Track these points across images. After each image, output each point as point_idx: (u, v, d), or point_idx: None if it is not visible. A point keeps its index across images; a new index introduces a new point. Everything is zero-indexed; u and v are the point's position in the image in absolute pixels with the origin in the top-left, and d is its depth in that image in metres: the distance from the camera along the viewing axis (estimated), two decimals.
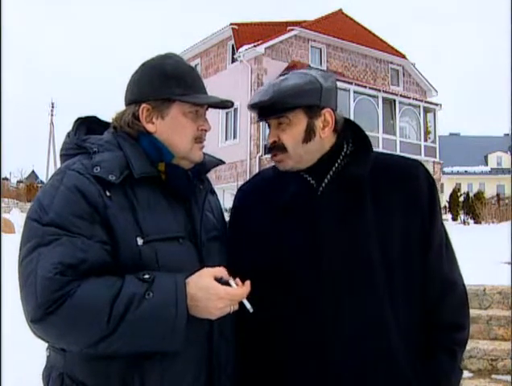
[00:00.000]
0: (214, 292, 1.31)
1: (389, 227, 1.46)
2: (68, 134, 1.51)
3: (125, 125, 1.47)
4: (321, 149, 1.52)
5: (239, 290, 1.35)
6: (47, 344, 1.42)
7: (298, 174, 1.53)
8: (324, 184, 1.50)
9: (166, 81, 1.45)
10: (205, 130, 1.51)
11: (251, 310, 1.36)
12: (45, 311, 1.22)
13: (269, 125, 1.54)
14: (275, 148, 1.51)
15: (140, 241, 1.33)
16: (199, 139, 1.49)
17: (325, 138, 1.51)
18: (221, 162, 1.64)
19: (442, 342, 1.49)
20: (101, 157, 1.39)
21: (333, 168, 1.51)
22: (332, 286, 1.43)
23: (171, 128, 1.46)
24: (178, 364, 1.35)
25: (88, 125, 1.53)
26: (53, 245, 1.27)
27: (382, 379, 1.42)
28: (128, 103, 1.49)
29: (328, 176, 1.51)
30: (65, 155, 1.48)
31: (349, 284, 1.43)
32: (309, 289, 1.44)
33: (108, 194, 1.34)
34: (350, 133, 1.57)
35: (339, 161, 1.52)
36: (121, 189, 1.36)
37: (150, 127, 1.46)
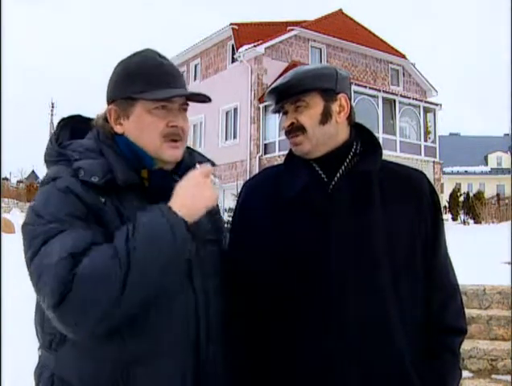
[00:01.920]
0: (191, 176, 1.36)
1: (396, 229, 1.49)
2: (51, 140, 1.47)
3: (100, 128, 1.46)
4: (336, 137, 1.55)
5: (207, 166, 1.42)
6: (39, 344, 1.42)
7: (309, 167, 1.55)
8: (335, 179, 1.52)
9: (128, 80, 1.41)
10: (176, 126, 1.43)
11: (216, 181, 1.42)
12: (63, 291, 1.19)
13: (285, 113, 1.58)
14: (294, 129, 1.54)
15: None
16: (169, 136, 1.42)
17: (340, 124, 1.55)
18: (212, 164, 1.54)
19: (447, 345, 1.53)
20: (81, 163, 1.37)
21: (344, 164, 1.54)
22: (340, 284, 1.43)
23: (136, 127, 1.42)
24: (164, 368, 1.34)
25: (72, 125, 1.51)
26: (59, 236, 1.26)
27: (387, 377, 1.43)
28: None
29: (340, 171, 1.53)
30: (48, 161, 1.46)
31: (357, 282, 1.44)
32: (316, 287, 1.44)
33: (102, 199, 1.33)
34: (360, 135, 1.60)
35: (349, 158, 1.55)
36: (109, 196, 1.35)
37: (118, 128, 1.43)
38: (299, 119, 1.53)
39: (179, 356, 1.36)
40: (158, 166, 1.44)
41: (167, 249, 1.26)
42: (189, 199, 1.33)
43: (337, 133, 1.55)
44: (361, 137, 1.60)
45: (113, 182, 1.35)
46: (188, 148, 1.54)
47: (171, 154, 1.44)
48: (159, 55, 1.47)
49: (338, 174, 1.53)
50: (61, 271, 1.20)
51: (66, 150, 1.42)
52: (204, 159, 1.56)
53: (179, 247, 1.27)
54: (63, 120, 1.51)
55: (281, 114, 1.60)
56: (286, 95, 1.54)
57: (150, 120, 1.40)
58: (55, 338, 1.36)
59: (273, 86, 1.57)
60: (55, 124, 1.55)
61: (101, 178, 1.33)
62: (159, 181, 1.41)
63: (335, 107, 1.54)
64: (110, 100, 1.44)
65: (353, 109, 1.58)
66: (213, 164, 1.54)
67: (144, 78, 1.40)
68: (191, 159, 1.52)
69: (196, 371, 1.39)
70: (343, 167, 1.54)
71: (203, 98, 1.46)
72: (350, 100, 1.58)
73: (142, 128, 1.41)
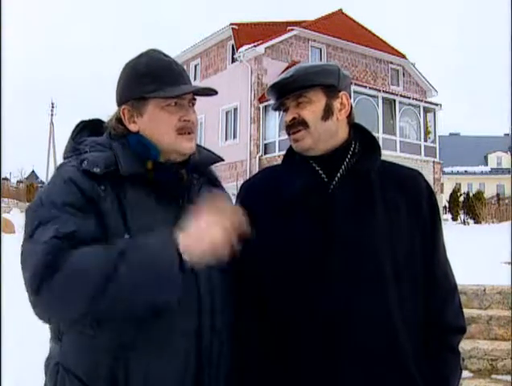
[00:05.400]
0: (207, 218, 1.30)
1: (396, 229, 1.49)
2: (69, 139, 1.55)
3: (113, 129, 1.52)
4: (336, 135, 1.55)
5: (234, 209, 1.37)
6: (48, 338, 1.46)
7: (309, 167, 1.54)
8: (336, 179, 1.52)
9: (138, 80, 1.49)
10: (188, 120, 1.49)
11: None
12: (42, 278, 1.24)
13: (285, 110, 1.57)
14: (295, 124, 1.53)
15: None
16: (183, 130, 1.48)
17: (341, 122, 1.55)
18: (220, 159, 1.64)
19: (448, 344, 1.54)
20: (88, 154, 1.43)
21: (344, 164, 1.53)
22: (342, 285, 1.43)
23: (150, 124, 1.48)
24: (164, 356, 1.36)
25: (91, 128, 1.57)
26: (52, 222, 1.31)
27: (390, 376, 1.43)
28: (117, 106, 1.55)
29: (341, 170, 1.53)
30: (65, 158, 1.52)
31: (359, 283, 1.44)
32: (318, 288, 1.44)
33: (102, 187, 1.38)
34: (358, 135, 1.60)
35: (348, 157, 1.55)
36: (111, 187, 1.40)
37: (132, 127, 1.50)
38: (301, 114, 1.52)
39: (180, 344, 1.38)
40: (164, 159, 1.49)
41: (154, 282, 1.26)
42: (197, 232, 1.29)
43: (337, 130, 1.55)
44: (360, 137, 1.60)
45: (116, 173, 1.41)
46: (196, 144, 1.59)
47: (188, 147, 1.50)
48: (164, 55, 1.55)
49: (339, 174, 1.52)
50: (42, 258, 1.25)
51: (80, 145, 1.50)
52: (211, 155, 1.63)
53: (166, 285, 1.27)
54: (82, 122, 1.58)
55: (281, 112, 1.60)
56: (288, 90, 1.53)
57: (163, 116, 1.47)
58: (60, 328, 1.40)
59: (275, 81, 1.56)
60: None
61: (103, 169, 1.39)
62: (164, 172, 1.47)
63: (336, 104, 1.54)
64: (123, 101, 1.51)
65: (352, 109, 1.58)
66: (221, 159, 1.63)
67: (154, 77, 1.47)
68: (199, 154, 1.58)
69: (198, 361, 1.41)
70: (343, 167, 1.53)
71: (209, 92, 1.52)
72: (350, 99, 1.58)
73: (157, 124, 1.48)
